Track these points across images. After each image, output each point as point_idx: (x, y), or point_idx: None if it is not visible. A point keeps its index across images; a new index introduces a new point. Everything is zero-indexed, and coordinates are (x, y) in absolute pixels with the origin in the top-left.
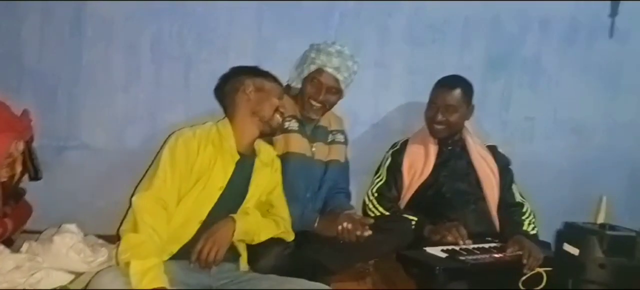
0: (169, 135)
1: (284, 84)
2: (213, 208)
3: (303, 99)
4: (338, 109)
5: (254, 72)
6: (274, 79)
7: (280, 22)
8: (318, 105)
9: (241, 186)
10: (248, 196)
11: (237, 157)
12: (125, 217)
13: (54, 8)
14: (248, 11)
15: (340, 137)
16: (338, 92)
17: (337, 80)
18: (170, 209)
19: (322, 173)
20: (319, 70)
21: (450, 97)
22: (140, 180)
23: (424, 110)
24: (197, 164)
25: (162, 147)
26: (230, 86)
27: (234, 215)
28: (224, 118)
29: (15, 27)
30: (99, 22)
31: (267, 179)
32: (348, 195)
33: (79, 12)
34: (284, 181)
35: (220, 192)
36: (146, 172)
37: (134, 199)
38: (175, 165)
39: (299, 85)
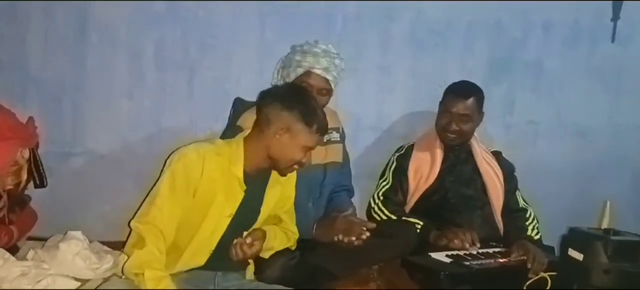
0: (172, 153)
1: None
2: (222, 235)
3: None
4: (338, 110)
5: (303, 111)
6: (319, 127)
7: (283, 27)
8: None
9: (252, 207)
10: (259, 219)
11: (244, 187)
12: (129, 235)
13: (58, 15)
14: (250, 17)
15: (335, 136)
16: (328, 93)
17: (326, 81)
18: (168, 237)
19: (321, 177)
20: (307, 73)
21: (465, 107)
22: (144, 199)
23: (427, 115)
24: (200, 188)
25: (164, 165)
26: (268, 111)
27: (266, 231)
28: (242, 134)
29: (19, 35)
30: (103, 29)
31: (276, 197)
32: (350, 192)
33: (83, 20)
34: None
35: (229, 219)
36: (150, 189)
37: (133, 223)
38: (175, 191)
39: None
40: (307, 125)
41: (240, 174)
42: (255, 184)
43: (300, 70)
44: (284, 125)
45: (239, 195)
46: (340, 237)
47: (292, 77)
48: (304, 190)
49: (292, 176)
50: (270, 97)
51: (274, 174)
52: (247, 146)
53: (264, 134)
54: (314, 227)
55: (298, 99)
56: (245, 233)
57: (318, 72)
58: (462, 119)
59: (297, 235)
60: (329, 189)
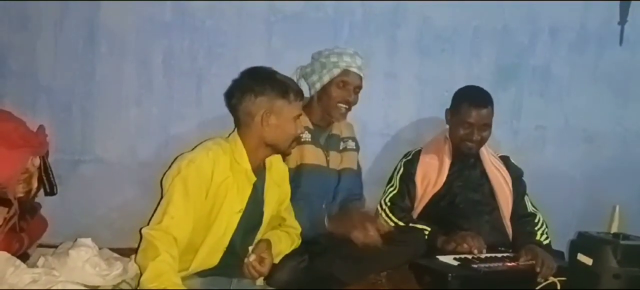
0: (176, 158)
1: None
2: (234, 233)
3: (321, 106)
4: (348, 116)
5: (275, 88)
6: (295, 93)
7: (290, 35)
8: (346, 107)
9: (256, 205)
10: (264, 218)
11: (254, 179)
12: (139, 245)
13: (67, 25)
14: (258, 24)
15: (351, 144)
16: (360, 91)
17: (361, 79)
18: (181, 243)
19: (335, 182)
20: (345, 72)
21: (486, 116)
22: (154, 211)
23: (434, 121)
24: (212, 188)
25: (171, 171)
26: (245, 107)
27: (270, 239)
28: (233, 131)
29: (30, 44)
30: (112, 38)
31: (276, 195)
32: (362, 201)
33: (93, 29)
34: (299, 193)
35: (240, 215)
36: (160, 196)
37: (144, 231)
38: (188, 197)
39: (309, 94)
40: (284, 98)
41: (249, 166)
42: (258, 180)
43: (336, 71)
44: (265, 110)
45: (248, 189)
46: (355, 234)
47: (325, 80)
48: (318, 191)
49: (285, 173)
50: (239, 93)
51: (270, 174)
52: (243, 142)
53: (251, 128)
54: (326, 220)
55: (263, 80)
56: (250, 248)
57: (355, 70)
58: (483, 128)
59: (299, 230)
60: (342, 195)
